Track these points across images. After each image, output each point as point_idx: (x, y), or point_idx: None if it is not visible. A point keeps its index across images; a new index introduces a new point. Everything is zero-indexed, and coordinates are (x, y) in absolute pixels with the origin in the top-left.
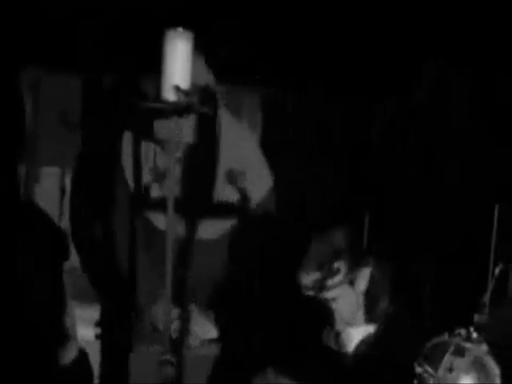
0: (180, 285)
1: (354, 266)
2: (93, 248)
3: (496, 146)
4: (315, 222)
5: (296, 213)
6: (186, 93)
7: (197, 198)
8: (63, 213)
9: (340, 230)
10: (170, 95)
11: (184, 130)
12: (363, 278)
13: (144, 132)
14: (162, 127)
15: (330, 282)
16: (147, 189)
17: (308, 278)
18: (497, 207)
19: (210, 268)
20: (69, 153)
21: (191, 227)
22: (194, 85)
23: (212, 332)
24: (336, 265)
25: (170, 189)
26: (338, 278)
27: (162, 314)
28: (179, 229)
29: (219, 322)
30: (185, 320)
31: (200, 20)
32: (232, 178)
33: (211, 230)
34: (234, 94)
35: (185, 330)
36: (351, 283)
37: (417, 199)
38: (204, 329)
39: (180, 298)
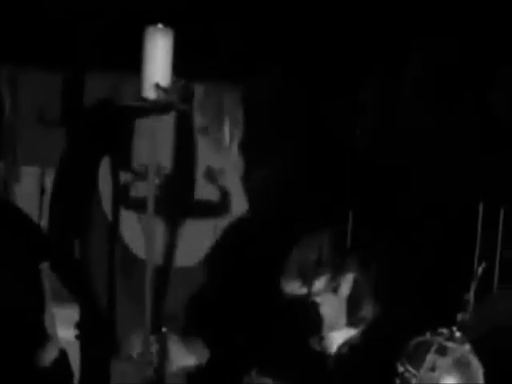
0: (158, 313)
1: (338, 271)
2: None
3: (480, 146)
4: (298, 222)
5: (278, 214)
6: (166, 90)
7: (177, 198)
8: (43, 212)
9: (323, 233)
10: (150, 93)
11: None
12: (346, 282)
13: (122, 161)
14: (141, 151)
15: (312, 290)
16: (126, 188)
17: (290, 286)
18: (481, 205)
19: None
20: (48, 152)
21: (170, 251)
22: (173, 82)
23: (190, 360)
24: (319, 273)
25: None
26: (320, 287)
27: (139, 344)
28: (157, 257)
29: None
30: (163, 347)
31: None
32: (211, 176)
33: (188, 257)
34: (214, 91)
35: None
36: (334, 290)
37: (401, 198)
38: (181, 357)
39: (158, 326)
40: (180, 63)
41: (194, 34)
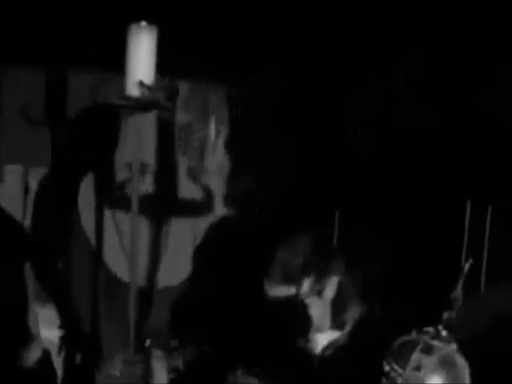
0: (142, 333)
1: (322, 275)
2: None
3: (480, 146)
4: (282, 223)
5: (263, 213)
6: (150, 88)
7: (161, 197)
8: (26, 211)
9: (308, 235)
10: (133, 91)
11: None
12: (331, 285)
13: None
14: (126, 149)
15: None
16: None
17: (274, 289)
18: (468, 203)
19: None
20: (32, 151)
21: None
22: (157, 80)
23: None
24: (303, 277)
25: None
26: (305, 290)
27: (122, 363)
28: (140, 278)
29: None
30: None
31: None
32: (194, 175)
33: (172, 277)
34: (200, 90)
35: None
36: (319, 293)
37: (401, 198)
38: (165, 373)
39: (141, 344)
40: (176, 62)
41: (191, 34)
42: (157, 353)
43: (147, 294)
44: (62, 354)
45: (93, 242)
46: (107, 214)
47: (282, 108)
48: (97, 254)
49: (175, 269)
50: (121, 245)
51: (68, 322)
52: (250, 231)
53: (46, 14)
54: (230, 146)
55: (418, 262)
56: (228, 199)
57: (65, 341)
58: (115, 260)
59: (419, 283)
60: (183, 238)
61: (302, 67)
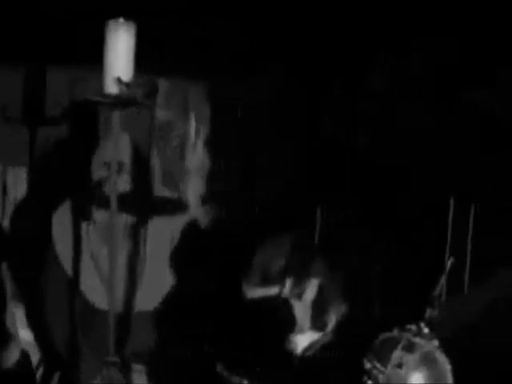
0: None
1: (303, 277)
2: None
3: (480, 146)
4: (263, 222)
5: (264, 213)
6: (128, 85)
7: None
8: (4, 210)
9: (289, 236)
10: (112, 88)
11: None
12: (311, 287)
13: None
14: (105, 149)
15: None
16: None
17: (252, 292)
18: (452, 200)
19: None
20: (10, 150)
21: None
22: (136, 77)
23: None
24: (283, 279)
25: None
26: (285, 292)
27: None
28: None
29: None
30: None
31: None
32: (171, 181)
33: (146, 301)
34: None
35: None
36: (299, 296)
37: (401, 198)
38: None
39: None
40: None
41: (191, 34)
42: (137, 367)
43: (125, 316)
44: (40, 371)
45: (68, 270)
46: (82, 241)
47: (282, 108)
48: (73, 283)
49: (151, 293)
50: (97, 271)
51: (38, 331)
52: (250, 231)
53: (22, 14)
54: (211, 145)
55: (418, 261)
56: (206, 199)
57: (41, 360)
58: (92, 289)
59: (419, 283)
60: (161, 239)
61: (301, 67)
